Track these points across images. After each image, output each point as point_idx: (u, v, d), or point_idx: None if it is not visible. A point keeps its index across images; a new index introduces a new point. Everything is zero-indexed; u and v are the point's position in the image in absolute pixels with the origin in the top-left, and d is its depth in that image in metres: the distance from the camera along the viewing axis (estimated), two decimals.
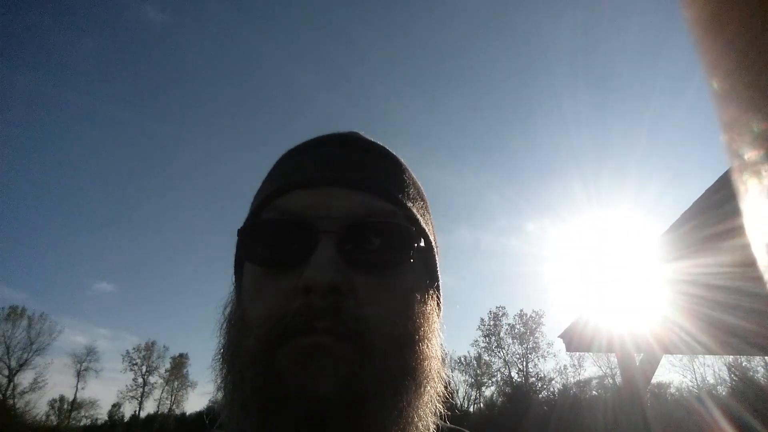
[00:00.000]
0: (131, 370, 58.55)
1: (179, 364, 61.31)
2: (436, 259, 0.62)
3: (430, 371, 0.52)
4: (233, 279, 0.62)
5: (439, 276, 0.63)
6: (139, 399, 58.24)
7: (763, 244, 0.19)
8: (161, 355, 60.57)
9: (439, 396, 0.54)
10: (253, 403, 0.45)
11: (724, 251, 3.75)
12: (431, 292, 0.59)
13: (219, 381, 0.52)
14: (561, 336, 5.58)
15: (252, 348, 0.47)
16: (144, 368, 58.70)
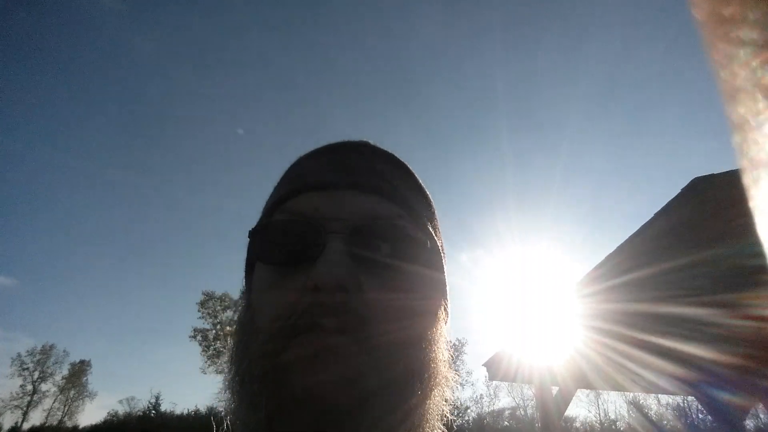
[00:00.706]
0: (20, 375, 52.86)
1: (79, 371, 56.25)
2: (443, 263, 0.63)
3: (437, 374, 0.52)
4: (243, 282, 0.63)
5: (446, 280, 0.63)
6: (25, 409, 52.49)
7: None
8: (59, 361, 55.43)
9: (446, 400, 0.54)
10: (261, 400, 0.45)
11: (639, 295, 4.06)
12: (438, 295, 0.60)
13: (227, 380, 0.51)
14: (485, 365, 5.72)
15: (260, 346, 0.48)
16: (36, 374, 53.21)
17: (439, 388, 0.52)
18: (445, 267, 0.63)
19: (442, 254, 0.62)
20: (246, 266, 0.62)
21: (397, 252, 0.52)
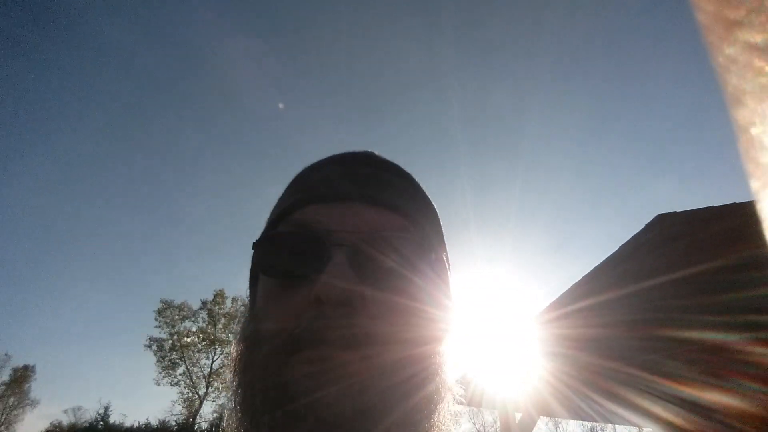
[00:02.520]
0: None
1: (21, 377, 53.07)
2: (449, 275, 0.62)
3: (442, 389, 0.51)
4: (247, 294, 0.63)
5: (452, 294, 0.62)
6: None
7: None
8: (0, 365, 52.22)
9: (451, 416, 0.53)
10: (263, 414, 0.45)
11: (598, 320, 4.14)
12: (444, 308, 0.59)
13: (230, 394, 0.52)
14: None
15: (263, 359, 0.48)
16: None
17: (445, 402, 0.52)
18: (450, 281, 0.63)
19: (447, 266, 0.62)
20: (250, 278, 0.62)
21: (401, 265, 0.52)
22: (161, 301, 39.46)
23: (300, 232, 0.53)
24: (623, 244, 4.49)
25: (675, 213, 4.23)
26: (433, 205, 0.66)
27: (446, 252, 0.64)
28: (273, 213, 0.61)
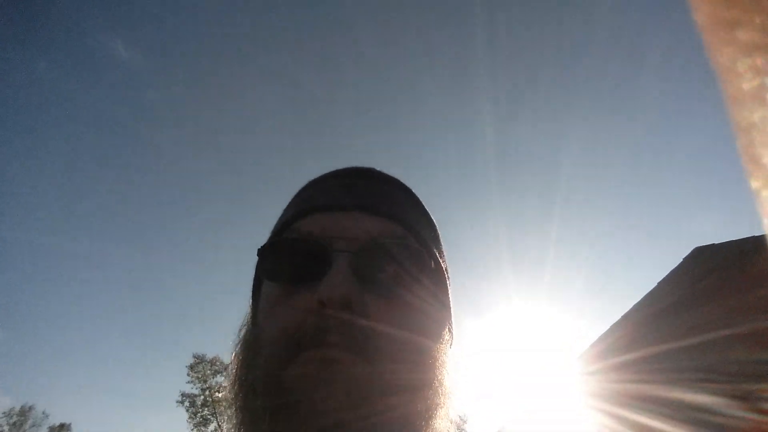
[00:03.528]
0: None
1: None
2: (448, 286, 0.64)
3: (442, 393, 0.52)
4: (250, 301, 0.64)
5: (452, 304, 0.64)
6: None
7: None
8: (38, 423, 52.55)
9: (450, 422, 0.54)
10: (265, 414, 0.46)
11: (644, 376, 3.89)
12: (442, 315, 0.61)
13: (231, 400, 0.52)
14: None
15: (265, 361, 0.49)
16: None
17: (444, 407, 0.53)
18: (449, 289, 0.65)
19: (446, 277, 0.64)
20: (253, 285, 0.64)
21: (402, 272, 0.53)
22: (194, 356, 39.60)
23: (303, 239, 0.55)
24: (660, 282, 4.27)
25: (712, 245, 4.02)
26: (432, 219, 0.68)
27: (445, 263, 0.65)
28: (277, 223, 0.64)
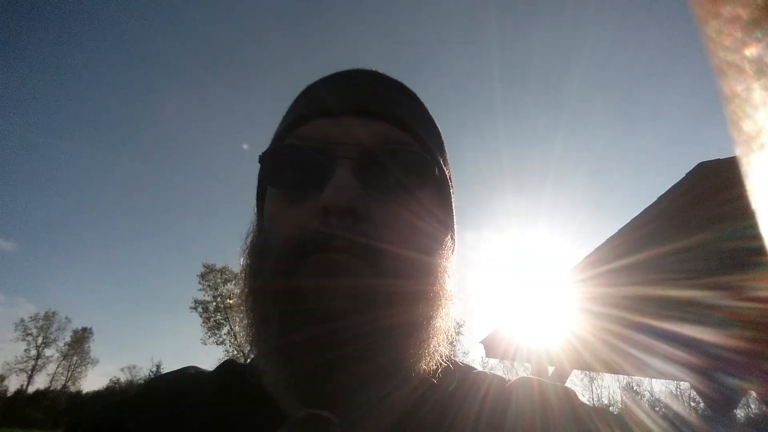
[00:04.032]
0: (24, 340, 53.77)
1: (81, 338, 57.15)
2: (451, 193, 0.64)
3: (443, 295, 0.53)
4: (255, 208, 0.64)
5: (454, 211, 0.64)
6: (29, 372, 53.56)
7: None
8: (62, 327, 56.25)
9: (447, 332, 0.55)
10: (274, 314, 0.47)
11: (635, 278, 4.07)
12: (446, 222, 0.61)
13: (241, 304, 0.53)
14: (482, 342, 5.79)
15: (272, 266, 0.49)
16: (40, 339, 54.11)
17: (445, 308, 0.54)
18: (453, 197, 0.64)
19: (450, 184, 0.63)
20: (257, 192, 0.63)
21: (405, 178, 0.53)
22: (204, 266, 41.14)
23: (306, 145, 0.54)
24: (660, 196, 4.33)
25: (717, 161, 4.02)
26: (436, 123, 0.66)
27: (449, 170, 0.65)
28: (278, 128, 0.62)
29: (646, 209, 4.39)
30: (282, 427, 0.44)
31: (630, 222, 4.49)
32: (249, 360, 0.59)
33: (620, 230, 4.54)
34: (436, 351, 0.53)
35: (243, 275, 0.55)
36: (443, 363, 0.54)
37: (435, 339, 0.52)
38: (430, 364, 0.52)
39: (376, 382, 0.47)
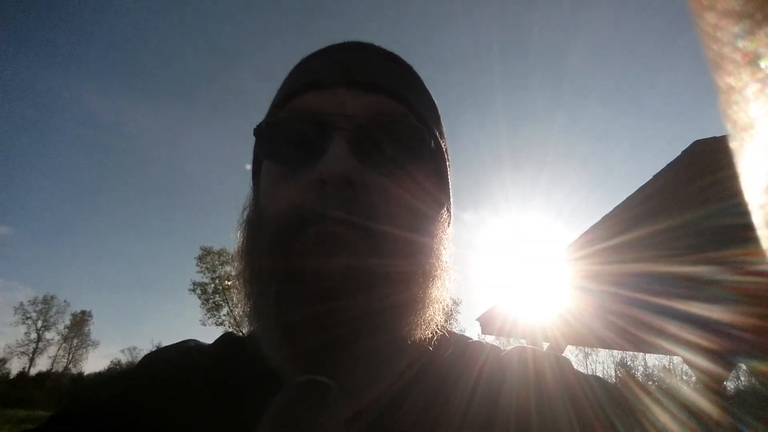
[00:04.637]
0: (24, 324, 54.05)
1: (80, 321, 57.48)
2: (448, 165, 0.64)
3: (439, 266, 0.54)
4: (251, 182, 0.64)
5: (450, 183, 0.64)
6: (31, 355, 53.98)
7: (759, 205, 0.20)
8: (61, 311, 56.50)
9: (443, 303, 0.55)
10: (271, 286, 0.47)
11: (626, 255, 4.10)
12: (441, 194, 0.61)
13: (238, 276, 0.53)
14: (478, 319, 5.87)
15: (269, 237, 0.49)
16: (40, 323, 54.40)
17: (440, 279, 0.54)
18: (449, 170, 0.64)
19: (446, 156, 0.64)
20: (253, 165, 0.63)
21: (401, 150, 0.53)
22: (201, 248, 41.13)
23: (301, 117, 0.54)
24: (657, 174, 4.34)
25: (714, 138, 4.02)
26: (432, 97, 0.66)
27: (445, 143, 0.64)
28: (273, 101, 0.61)
29: (642, 187, 4.41)
30: (281, 391, 0.44)
31: (626, 200, 4.51)
32: (247, 331, 0.59)
33: (616, 208, 4.56)
34: (432, 320, 0.53)
35: (240, 249, 0.55)
36: (439, 332, 0.54)
37: (431, 308, 0.52)
38: (426, 333, 0.52)
39: (374, 348, 0.47)
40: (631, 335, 5.22)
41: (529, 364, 0.53)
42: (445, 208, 0.61)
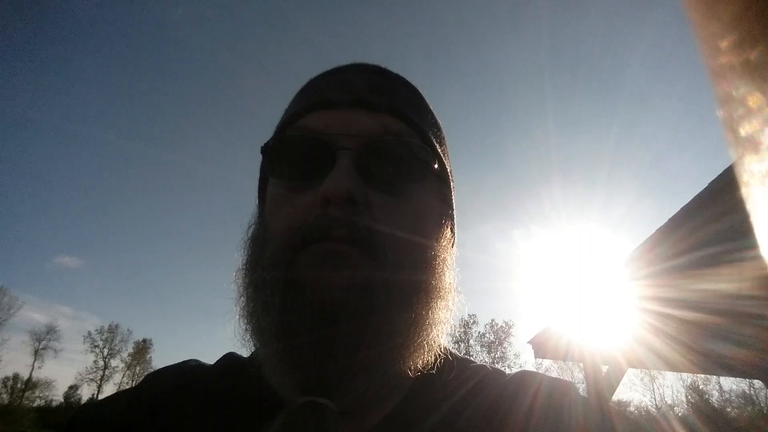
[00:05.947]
0: (92, 352, 57.18)
1: (142, 349, 60.15)
2: (451, 186, 0.65)
3: (441, 287, 0.54)
4: (257, 200, 0.66)
5: (454, 204, 0.65)
6: (99, 382, 56.90)
7: (763, 221, 0.19)
8: (124, 339, 59.36)
9: (446, 324, 0.55)
10: (273, 303, 0.47)
11: (694, 272, 3.83)
12: (445, 215, 0.62)
13: (241, 293, 0.54)
14: (530, 342, 5.63)
15: (272, 255, 0.50)
16: (106, 351, 57.39)
17: (443, 300, 0.54)
18: (453, 190, 0.65)
19: (450, 177, 0.64)
20: (259, 183, 0.65)
21: (404, 170, 0.54)
22: None
23: (307, 136, 0.55)
24: (715, 179, 4.05)
25: None
26: (436, 117, 0.67)
27: (449, 163, 0.65)
28: (280, 121, 0.63)
29: (699, 194, 4.12)
30: (280, 413, 0.44)
31: (683, 208, 4.21)
32: (250, 352, 0.60)
33: (673, 218, 4.27)
34: (435, 342, 0.53)
35: (244, 265, 0.56)
36: (441, 354, 0.54)
37: (433, 330, 0.52)
38: (429, 355, 0.52)
39: (375, 369, 0.47)
40: (700, 357, 4.84)
41: (529, 389, 0.53)
42: (449, 228, 0.62)
